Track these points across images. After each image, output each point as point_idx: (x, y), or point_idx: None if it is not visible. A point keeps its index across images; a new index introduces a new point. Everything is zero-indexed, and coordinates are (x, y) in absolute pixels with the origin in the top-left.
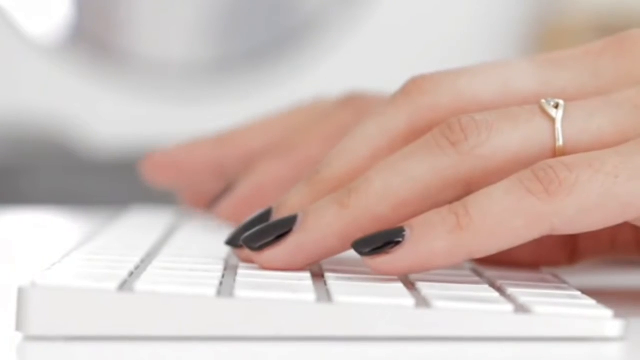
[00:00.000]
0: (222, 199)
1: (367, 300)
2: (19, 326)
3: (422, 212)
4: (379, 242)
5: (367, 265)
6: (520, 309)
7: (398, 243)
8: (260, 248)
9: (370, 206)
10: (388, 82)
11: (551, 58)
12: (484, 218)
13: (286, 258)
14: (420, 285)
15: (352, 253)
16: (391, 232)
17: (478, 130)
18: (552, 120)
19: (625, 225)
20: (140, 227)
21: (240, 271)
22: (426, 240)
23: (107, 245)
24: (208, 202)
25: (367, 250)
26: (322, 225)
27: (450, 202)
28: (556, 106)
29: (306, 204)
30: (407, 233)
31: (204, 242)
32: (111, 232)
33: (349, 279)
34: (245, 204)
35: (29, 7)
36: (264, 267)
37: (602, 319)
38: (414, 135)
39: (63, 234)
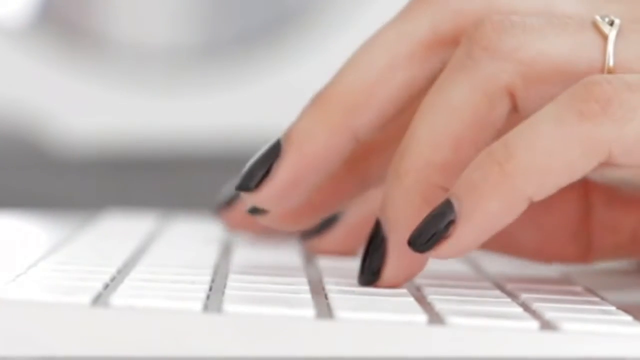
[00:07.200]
0: (328, 230)
1: (373, 316)
2: None
3: (484, 141)
4: (433, 229)
5: (435, 258)
6: (547, 325)
7: (452, 222)
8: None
9: (429, 158)
10: None
11: None
12: (532, 155)
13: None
14: (434, 299)
15: (354, 264)
16: (440, 214)
17: (513, 30)
18: (605, 37)
19: None
20: (116, 233)
21: (230, 283)
22: (479, 206)
23: (79, 254)
24: (303, 233)
25: (425, 243)
26: (397, 216)
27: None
28: (611, 24)
29: (317, 129)
30: (455, 206)
31: (188, 250)
32: (84, 239)
33: (353, 292)
34: (355, 234)
35: None
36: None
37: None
38: (438, 43)
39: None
